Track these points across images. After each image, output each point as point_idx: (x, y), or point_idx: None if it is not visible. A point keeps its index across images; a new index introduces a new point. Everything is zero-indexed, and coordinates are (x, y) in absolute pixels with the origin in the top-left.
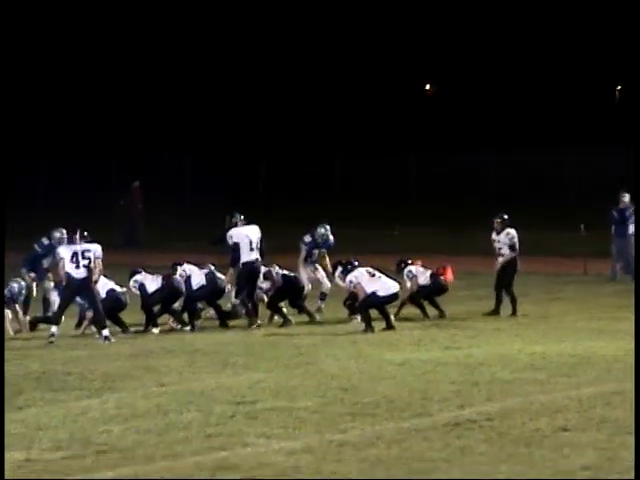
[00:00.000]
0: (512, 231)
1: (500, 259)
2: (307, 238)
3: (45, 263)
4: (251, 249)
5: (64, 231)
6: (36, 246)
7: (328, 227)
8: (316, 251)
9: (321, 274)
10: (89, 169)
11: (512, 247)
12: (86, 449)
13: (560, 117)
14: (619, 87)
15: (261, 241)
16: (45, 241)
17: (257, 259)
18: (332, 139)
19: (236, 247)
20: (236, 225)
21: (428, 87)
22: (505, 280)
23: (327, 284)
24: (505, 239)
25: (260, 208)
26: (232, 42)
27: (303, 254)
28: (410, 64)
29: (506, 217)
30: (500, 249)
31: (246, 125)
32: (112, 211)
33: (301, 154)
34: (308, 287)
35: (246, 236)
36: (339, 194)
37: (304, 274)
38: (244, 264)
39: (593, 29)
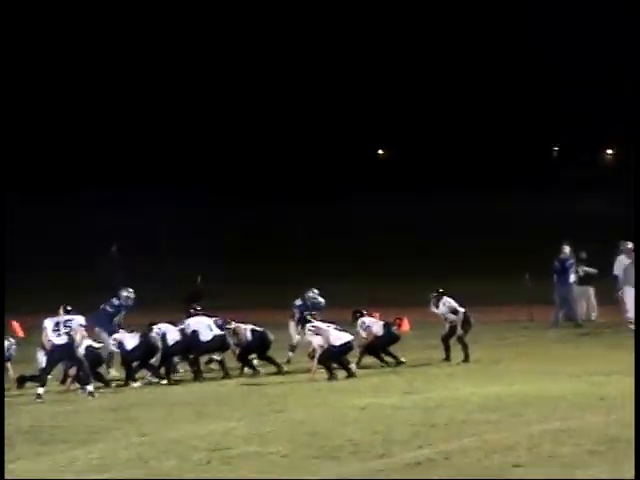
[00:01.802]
0: (447, 299)
1: (449, 324)
2: (298, 302)
3: (115, 321)
4: (210, 329)
5: (131, 290)
6: (107, 307)
7: (317, 291)
8: (307, 313)
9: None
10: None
11: (454, 311)
12: None
13: (505, 166)
14: (556, 148)
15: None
16: (115, 301)
17: (221, 334)
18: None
19: (195, 334)
20: (194, 315)
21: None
22: (458, 333)
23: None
24: (444, 309)
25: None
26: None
27: (297, 316)
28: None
29: (441, 290)
30: (446, 318)
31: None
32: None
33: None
34: (296, 341)
35: (204, 321)
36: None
37: (295, 333)
38: (211, 340)
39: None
